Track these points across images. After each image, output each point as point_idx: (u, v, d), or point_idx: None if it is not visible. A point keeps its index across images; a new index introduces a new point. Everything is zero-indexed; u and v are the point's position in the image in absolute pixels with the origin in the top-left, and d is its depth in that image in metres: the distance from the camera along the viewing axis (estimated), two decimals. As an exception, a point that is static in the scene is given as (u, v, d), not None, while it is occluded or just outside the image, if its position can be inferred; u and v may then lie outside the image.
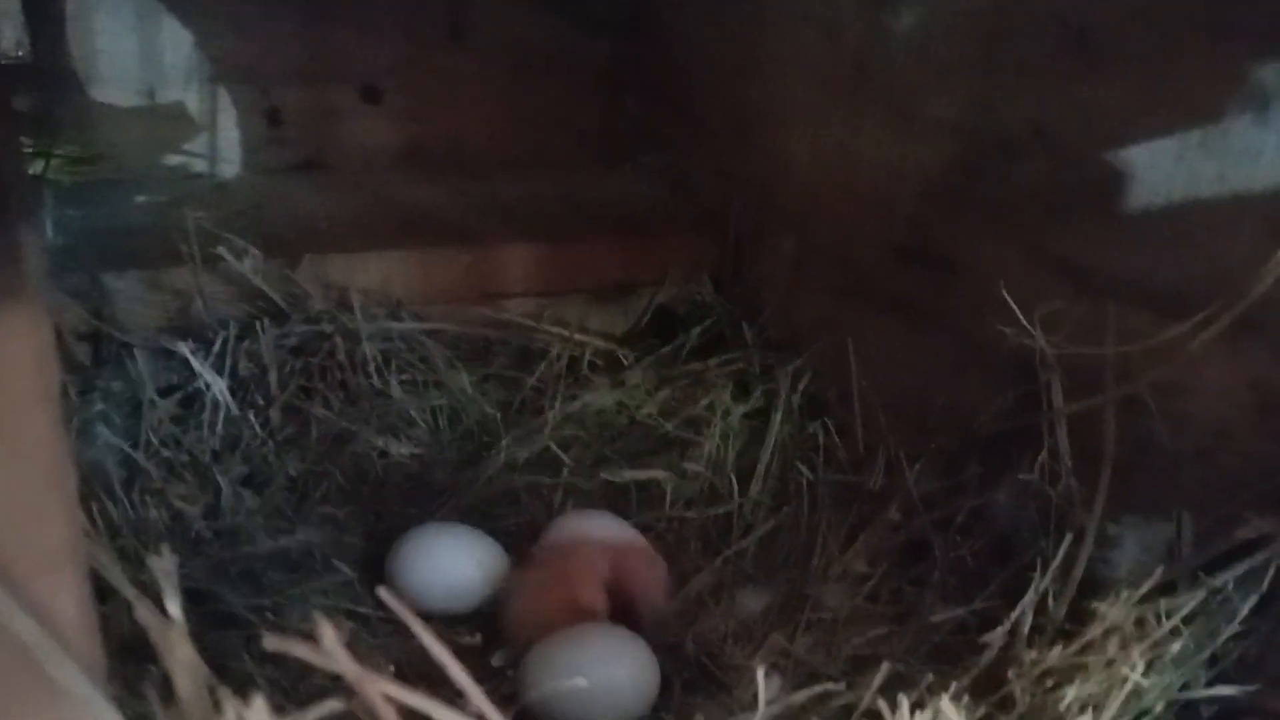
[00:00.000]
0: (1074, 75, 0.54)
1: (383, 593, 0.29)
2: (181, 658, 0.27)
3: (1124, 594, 0.46)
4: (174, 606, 0.28)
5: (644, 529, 0.64)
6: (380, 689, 0.29)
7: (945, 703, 0.40)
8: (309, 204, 0.82)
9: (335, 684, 0.31)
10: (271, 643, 0.29)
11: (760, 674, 0.35)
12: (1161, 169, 0.50)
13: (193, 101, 0.84)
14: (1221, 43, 0.46)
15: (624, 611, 0.58)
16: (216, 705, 0.28)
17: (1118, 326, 0.51)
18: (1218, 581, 0.46)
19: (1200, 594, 0.46)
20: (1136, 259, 0.51)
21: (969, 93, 0.60)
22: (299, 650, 0.29)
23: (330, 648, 0.28)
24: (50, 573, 0.22)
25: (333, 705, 0.29)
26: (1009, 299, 0.53)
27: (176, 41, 0.82)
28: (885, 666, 0.41)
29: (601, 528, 0.62)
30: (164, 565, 0.28)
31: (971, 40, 0.59)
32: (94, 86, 0.81)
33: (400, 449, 0.69)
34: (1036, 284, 0.55)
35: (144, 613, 0.25)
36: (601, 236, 0.83)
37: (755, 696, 0.40)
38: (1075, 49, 0.53)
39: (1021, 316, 0.53)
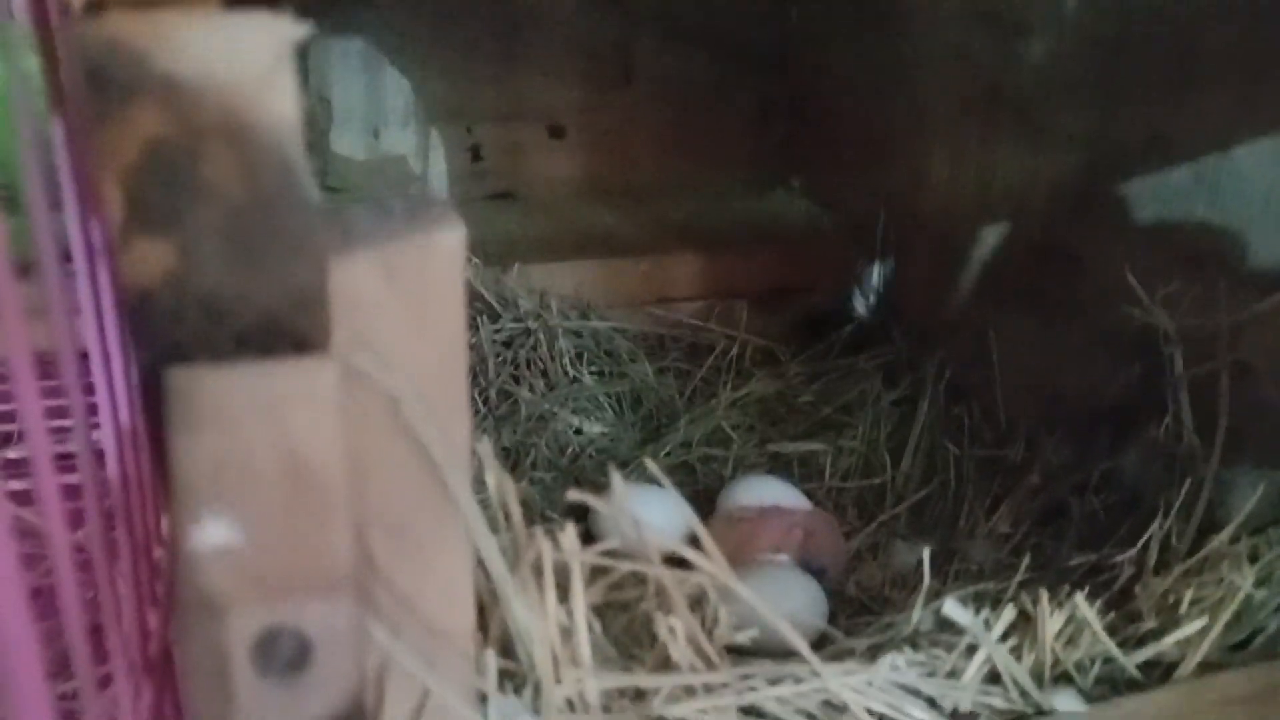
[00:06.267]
0: (1185, 87, 0.62)
1: (572, 493, 0.40)
2: (512, 497, 0.38)
3: (1238, 524, 0.53)
4: (496, 469, 0.39)
5: (806, 496, 0.74)
6: (648, 535, 0.40)
7: (1080, 598, 0.48)
8: (507, 227, 0.95)
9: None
10: (572, 494, 0.40)
11: (925, 554, 0.44)
12: (1262, 164, 0.57)
13: (409, 140, 0.98)
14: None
15: (809, 568, 0.65)
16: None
17: (1228, 304, 0.59)
18: (1322, 512, 0.53)
19: (1307, 524, 0.53)
20: (1243, 244, 0.59)
21: (1093, 107, 0.68)
22: (593, 500, 0.40)
23: (618, 492, 0.38)
24: (457, 415, 0.34)
25: (612, 542, 0.40)
26: (1134, 283, 0.62)
27: (397, 88, 0.96)
28: (1027, 558, 0.49)
29: (774, 491, 0.70)
30: (484, 447, 0.40)
31: (1095, 62, 0.68)
32: (331, 129, 0.96)
33: (592, 427, 0.80)
34: (1156, 270, 0.63)
35: (480, 452, 0.36)
36: (760, 248, 0.94)
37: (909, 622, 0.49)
38: (1186, 64, 0.61)
39: (1145, 298, 0.61)
